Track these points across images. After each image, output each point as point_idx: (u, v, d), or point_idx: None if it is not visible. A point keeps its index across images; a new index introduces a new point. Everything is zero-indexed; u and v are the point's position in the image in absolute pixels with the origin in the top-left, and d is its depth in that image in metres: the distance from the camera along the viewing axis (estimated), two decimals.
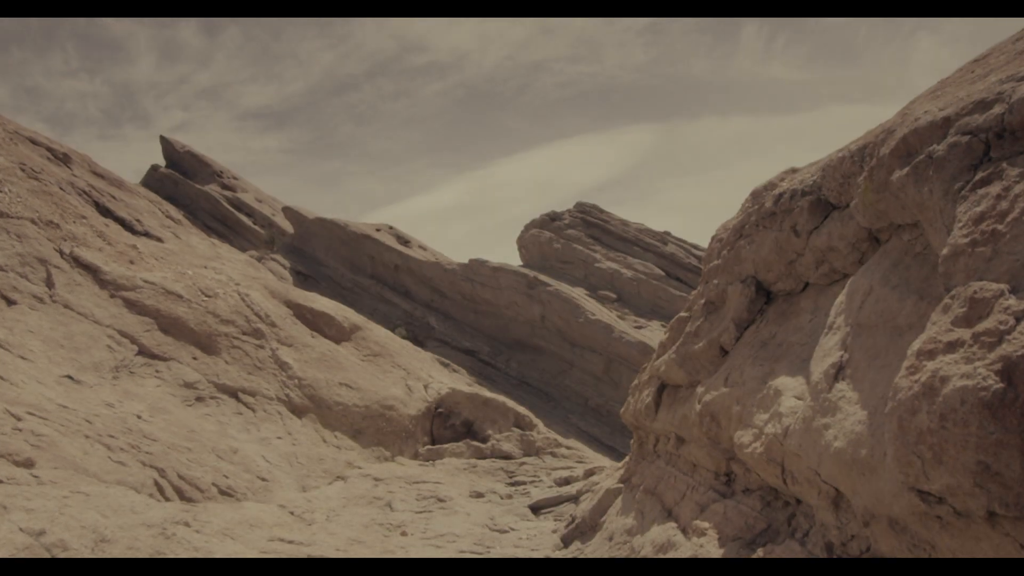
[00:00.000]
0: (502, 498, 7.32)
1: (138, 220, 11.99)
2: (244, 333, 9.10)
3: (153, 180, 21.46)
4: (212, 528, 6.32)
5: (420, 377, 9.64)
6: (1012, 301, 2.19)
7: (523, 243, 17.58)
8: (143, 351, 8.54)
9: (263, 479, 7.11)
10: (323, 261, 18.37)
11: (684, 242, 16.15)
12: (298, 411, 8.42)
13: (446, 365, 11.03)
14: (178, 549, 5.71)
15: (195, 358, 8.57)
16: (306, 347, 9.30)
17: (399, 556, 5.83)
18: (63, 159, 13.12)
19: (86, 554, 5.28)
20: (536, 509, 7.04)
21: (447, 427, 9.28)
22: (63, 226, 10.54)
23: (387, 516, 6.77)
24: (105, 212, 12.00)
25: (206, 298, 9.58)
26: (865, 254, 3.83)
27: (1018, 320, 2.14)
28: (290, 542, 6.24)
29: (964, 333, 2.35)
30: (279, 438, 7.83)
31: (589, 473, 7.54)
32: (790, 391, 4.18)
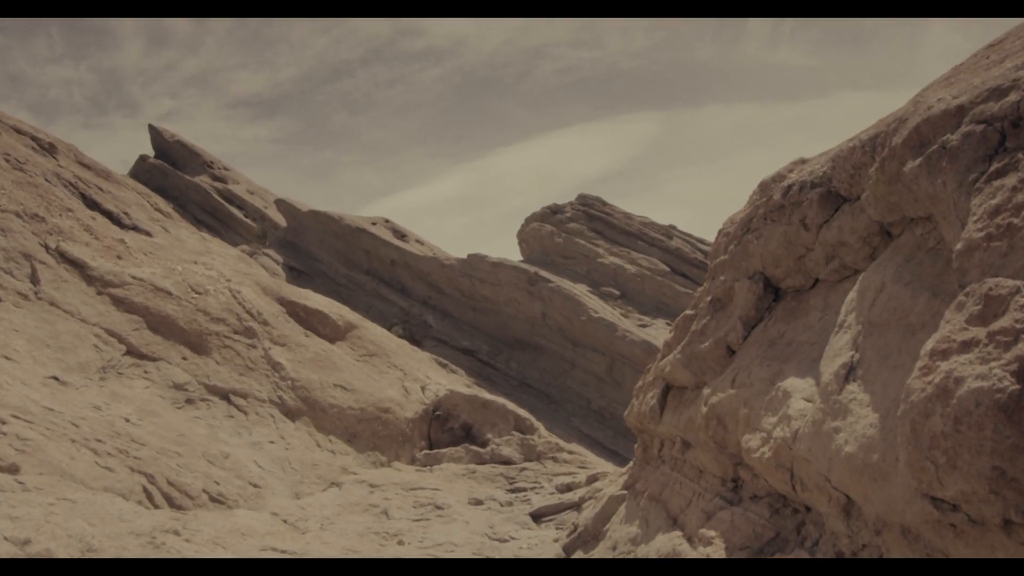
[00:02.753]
0: (502, 505, 7.17)
1: (126, 213, 11.70)
2: (235, 332, 8.87)
3: (141, 171, 21.08)
4: (202, 537, 6.14)
5: (417, 378, 9.45)
6: None
7: (523, 237, 17.32)
8: (131, 351, 8.30)
9: (255, 485, 6.93)
10: (317, 256, 18.10)
11: (690, 236, 15.95)
12: (291, 414, 8.22)
13: (444, 365, 10.86)
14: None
15: (185, 358, 8.34)
16: (299, 347, 9.09)
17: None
18: (48, 149, 12.78)
19: None
20: (537, 517, 6.88)
21: (445, 431, 9.10)
22: (49, 220, 10.24)
23: (383, 524, 6.61)
24: (92, 205, 11.70)
25: (196, 295, 9.33)
26: (877, 249, 3.69)
27: None
28: (282, 552, 6.07)
29: (979, 332, 2.22)
30: (272, 442, 7.64)
31: (592, 479, 7.39)
32: (799, 393, 4.02)
